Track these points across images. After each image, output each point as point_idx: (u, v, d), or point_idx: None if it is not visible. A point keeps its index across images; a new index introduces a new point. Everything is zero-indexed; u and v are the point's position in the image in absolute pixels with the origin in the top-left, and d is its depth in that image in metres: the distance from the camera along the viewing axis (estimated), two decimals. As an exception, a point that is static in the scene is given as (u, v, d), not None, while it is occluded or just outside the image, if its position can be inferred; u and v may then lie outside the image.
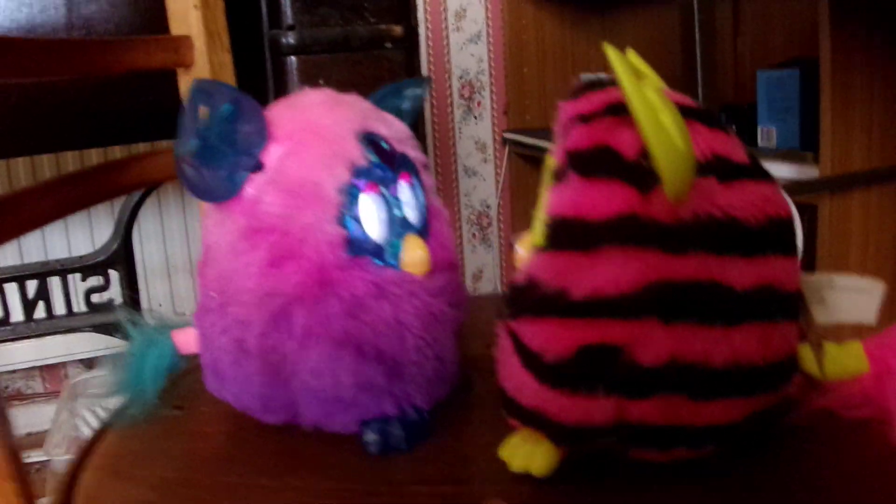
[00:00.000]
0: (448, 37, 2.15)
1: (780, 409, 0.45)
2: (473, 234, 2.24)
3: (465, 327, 0.55)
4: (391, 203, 0.49)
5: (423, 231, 0.51)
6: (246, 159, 0.47)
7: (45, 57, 0.57)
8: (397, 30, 1.01)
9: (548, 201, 0.42)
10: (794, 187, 1.29)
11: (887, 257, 1.39)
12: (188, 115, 0.46)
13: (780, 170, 1.38)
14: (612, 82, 0.43)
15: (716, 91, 1.19)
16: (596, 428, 0.42)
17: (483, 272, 2.28)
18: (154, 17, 1.01)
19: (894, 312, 0.52)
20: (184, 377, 0.62)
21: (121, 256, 1.23)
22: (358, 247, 0.47)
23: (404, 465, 0.48)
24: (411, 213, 0.50)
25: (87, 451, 0.56)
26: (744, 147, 0.43)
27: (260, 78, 1.04)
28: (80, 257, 1.25)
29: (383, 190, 0.48)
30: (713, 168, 0.41)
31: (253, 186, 0.48)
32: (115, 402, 0.60)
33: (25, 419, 1.78)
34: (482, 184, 2.24)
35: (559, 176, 0.41)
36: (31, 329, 1.28)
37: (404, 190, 0.50)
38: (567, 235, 0.40)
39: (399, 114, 0.54)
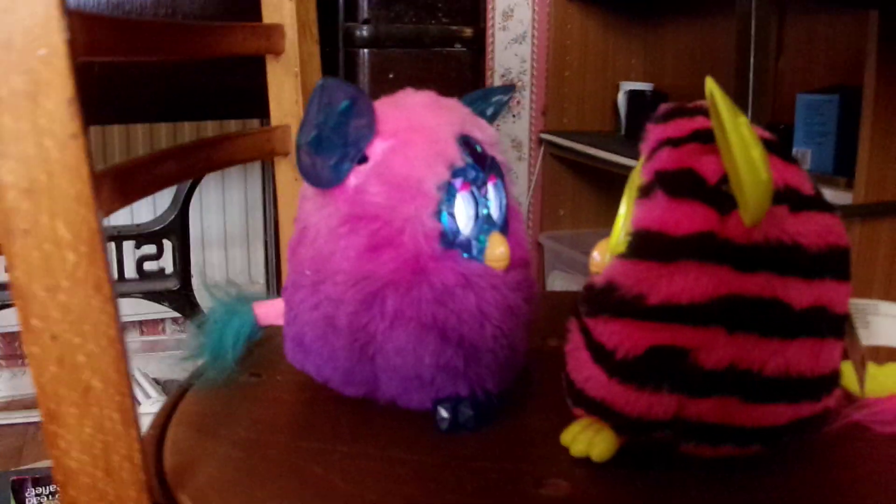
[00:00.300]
0: (494, 35, 2.19)
1: (821, 419, 0.49)
2: (502, 230, 2.28)
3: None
4: (480, 202, 0.53)
5: (504, 229, 0.55)
6: (353, 151, 0.52)
7: (156, 38, 0.61)
8: (468, 31, 1.05)
9: (633, 214, 0.46)
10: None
11: (911, 286, 1.43)
12: (311, 109, 0.50)
13: (814, 193, 1.41)
14: (697, 110, 0.48)
15: (761, 110, 1.23)
16: (656, 421, 0.47)
17: (509, 268, 2.31)
18: (238, 1, 1.06)
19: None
20: (260, 346, 0.67)
21: (176, 227, 1.28)
22: (450, 240, 0.52)
23: (471, 443, 0.53)
24: (496, 212, 0.55)
25: (170, 408, 0.60)
26: (811, 180, 0.48)
27: (331, 69, 1.08)
28: (137, 225, 1.30)
29: (474, 189, 0.53)
30: (785, 198, 0.45)
31: (356, 177, 0.52)
32: (191, 365, 0.65)
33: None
34: (515, 181, 2.27)
35: (645, 192, 0.46)
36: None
37: (491, 190, 0.54)
38: (650, 247, 0.44)
39: (484, 118, 0.58)
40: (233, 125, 1.67)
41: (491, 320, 0.52)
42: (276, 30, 0.78)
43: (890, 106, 1.35)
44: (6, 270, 0.42)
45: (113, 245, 1.30)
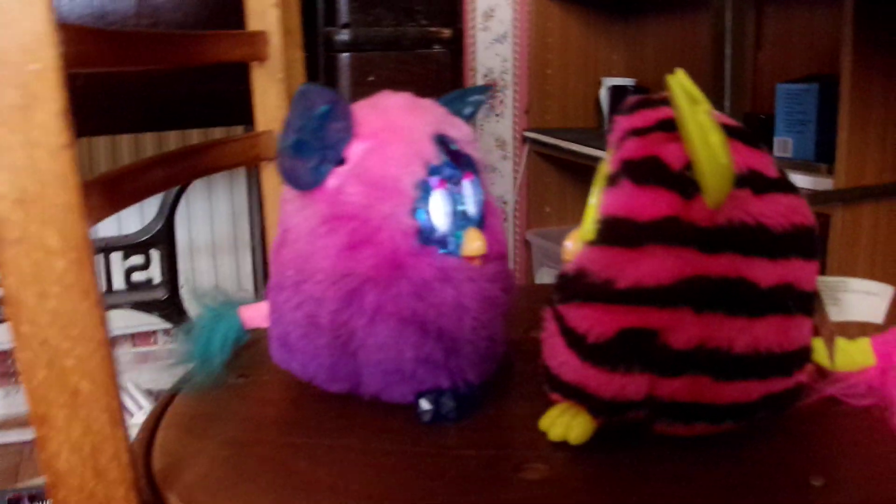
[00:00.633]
0: (475, 35, 2.20)
1: (793, 394, 0.50)
2: (491, 230, 2.30)
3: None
4: (456, 199, 0.55)
5: (481, 224, 0.57)
6: (332, 153, 0.53)
7: (144, 48, 0.63)
8: (446, 32, 1.07)
9: (601, 202, 0.48)
10: (808, 197, 1.34)
11: (894, 267, 1.44)
12: (291, 115, 0.52)
13: (795, 180, 1.43)
14: (661, 101, 0.49)
15: (739, 101, 1.24)
16: (629, 402, 0.48)
17: (499, 267, 2.33)
18: (220, 9, 1.07)
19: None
20: (247, 349, 0.68)
21: (163, 236, 1.29)
22: (427, 236, 0.53)
23: (453, 433, 0.54)
24: (472, 208, 0.56)
25: (159, 412, 0.61)
26: (776, 163, 0.49)
27: (312, 73, 1.09)
28: (125, 236, 1.31)
29: (451, 186, 0.54)
30: (748, 181, 0.46)
31: (335, 178, 0.54)
32: (180, 371, 0.66)
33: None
34: (500, 180, 2.29)
35: (613, 181, 0.47)
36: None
37: (467, 187, 0.56)
38: (617, 232, 0.46)
39: (461, 117, 0.60)
40: (217, 133, 1.68)
41: (469, 312, 0.53)
42: (261, 37, 0.79)
43: (866, 93, 1.37)
44: (-1, 284, 0.43)
45: (101, 256, 1.31)
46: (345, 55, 1.05)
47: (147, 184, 0.60)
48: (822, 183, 1.41)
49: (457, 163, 0.55)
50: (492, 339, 0.56)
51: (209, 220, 1.98)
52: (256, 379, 0.65)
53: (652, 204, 0.45)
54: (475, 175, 0.57)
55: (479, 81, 2.23)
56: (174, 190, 1.31)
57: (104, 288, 1.34)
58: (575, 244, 0.51)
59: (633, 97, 0.51)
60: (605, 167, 0.49)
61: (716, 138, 0.42)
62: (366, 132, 0.54)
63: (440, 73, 1.05)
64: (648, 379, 0.47)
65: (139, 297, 1.33)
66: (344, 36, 1.05)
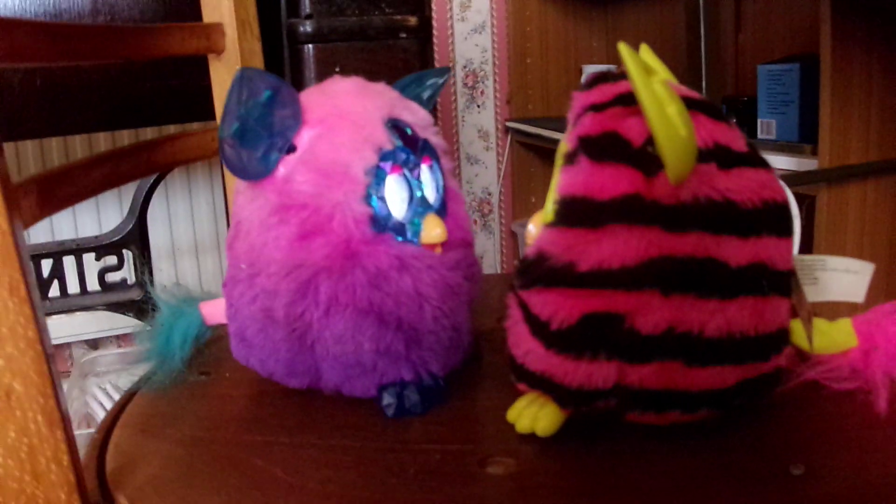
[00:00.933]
0: (453, 27, 2.18)
1: (772, 379, 0.48)
2: (475, 221, 2.28)
3: (477, 304, 0.59)
4: (413, 185, 0.52)
5: (441, 211, 0.54)
6: (280, 141, 0.51)
7: (87, 41, 0.60)
8: (412, 20, 1.04)
9: (559, 182, 0.45)
10: (793, 178, 1.33)
11: (881, 246, 1.43)
12: (231, 100, 0.49)
13: (780, 161, 1.42)
14: (622, 75, 0.47)
15: (718, 84, 1.22)
16: (597, 391, 0.46)
17: (484, 258, 2.31)
18: (176, 5, 1.05)
19: (885, 293, 0.56)
20: (209, 346, 0.66)
21: (135, 236, 1.27)
22: (382, 224, 0.51)
23: (418, 427, 0.52)
24: (431, 194, 0.54)
25: (117, 412, 0.59)
26: (744, 138, 0.47)
27: (277, 66, 1.07)
28: (96, 237, 1.29)
29: (406, 172, 0.52)
30: (714, 155, 0.44)
31: (285, 166, 0.51)
32: (143, 369, 0.64)
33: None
34: (484, 171, 2.27)
35: (570, 159, 0.45)
36: (46, 308, 1.31)
37: (425, 173, 0.53)
38: (576, 213, 0.43)
39: (420, 101, 0.58)
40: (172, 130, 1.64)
41: (430, 301, 0.51)
42: (216, 28, 0.77)
43: (847, 71, 1.35)
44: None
45: (73, 258, 1.28)
46: (309, 47, 1.02)
47: (96, 180, 0.58)
48: (806, 164, 1.39)
49: (412, 147, 0.53)
50: (455, 328, 0.54)
51: (191, 220, 1.95)
52: (217, 376, 0.63)
53: (612, 181, 0.43)
54: (434, 160, 0.54)
55: (459, 73, 2.20)
56: (144, 189, 1.29)
57: (77, 290, 1.32)
58: (537, 227, 0.49)
59: (593, 72, 0.49)
60: (564, 146, 0.47)
61: (673, 109, 0.40)
62: (314, 118, 0.52)
63: (408, 62, 1.02)
64: (616, 366, 0.45)
65: (114, 298, 1.30)
66: (307, 27, 1.03)
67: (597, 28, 2.27)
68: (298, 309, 0.51)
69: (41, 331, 0.42)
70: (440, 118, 2.20)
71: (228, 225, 1.65)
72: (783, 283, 0.47)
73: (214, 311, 0.64)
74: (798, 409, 0.52)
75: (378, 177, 0.51)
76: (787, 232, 0.47)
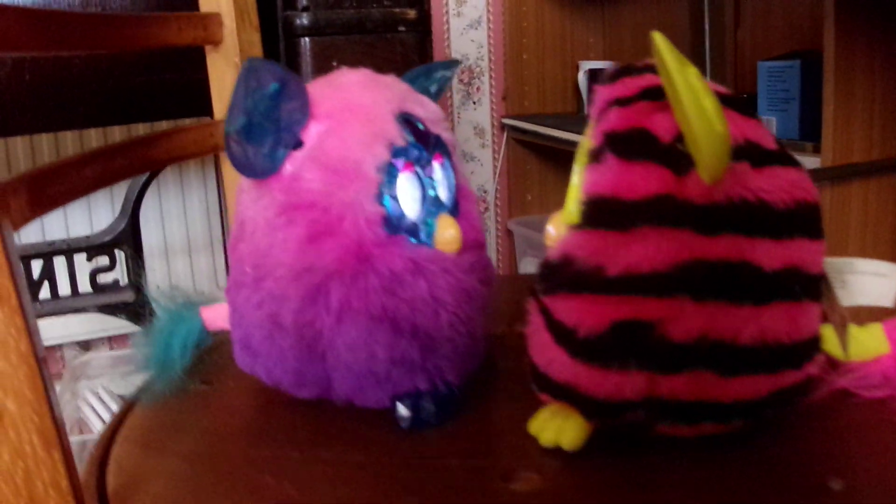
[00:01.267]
0: (449, 22, 2.15)
1: (804, 388, 0.46)
2: (471, 220, 2.25)
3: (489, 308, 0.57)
4: (426, 183, 0.50)
5: (454, 210, 0.52)
6: (287, 136, 0.48)
7: (79, 30, 0.57)
8: (411, 13, 1.02)
9: (584, 181, 0.43)
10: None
11: (885, 245, 1.41)
12: (237, 94, 0.47)
13: (781, 160, 1.40)
14: (645, 68, 0.45)
15: (719, 80, 1.21)
16: (627, 402, 0.43)
17: (480, 258, 2.29)
18: (171, -2, 1.02)
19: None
20: (210, 353, 0.63)
21: (128, 236, 1.24)
22: (395, 225, 0.48)
23: (435, 440, 0.49)
24: (443, 192, 0.51)
25: (116, 424, 0.57)
26: (772, 135, 0.45)
27: (273, 59, 1.04)
28: (87, 237, 1.26)
29: (418, 170, 0.49)
30: (746, 153, 0.42)
31: (292, 163, 0.49)
32: (141, 378, 0.62)
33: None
34: (480, 169, 2.25)
35: (596, 157, 0.42)
36: (37, 310, 1.28)
37: (437, 170, 0.51)
38: (604, 214, 0.41)
39: (428, 95, 0.55)
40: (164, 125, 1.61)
41: (446, 306, 0.49)
42: (213, 18, 0.74)
43: (850, 68, 1.33)
44: None
45: (63, 259, 1.25)
46: (305, 40, 0.99)
47: (88, 179, 0.55)
48: (808, 162, 1.37)
49: (424, 144, 0.50)
50: (471, 334, 0.51)
51: (184, 219, 1.92)
52: (220, 386, 0.60)
53: (641, 181, 0.40)
54: (446, 157, 0.52)
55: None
56: (137, 187, 1.26)
57: (69, 291, 1.29)
58: (558, 229, 0.47)
59: (614, 65, 0.46)
60: (587, 142, 0.45)
61: (710, 103, 0.38)
62: (323, 112, 0.49)
63: (407, 55, 1.00)
64: (647, 376, 0.43)
65: (106, 300, 1.27)
66: (304, 20, 1.00)
67: (594, 23, 2.24)
68: (308, 315, 0.48)
69: (34, 343, 0.39)
70: (435, 115, 2.17)
71: (223, 223, 1.62)
72: (815, 287, 0.45)
73: (216, 316, 0.61)
74: (830, 418, 0.50)
75: (390, 174, 0.48)
76: (820, 234, 0.46)
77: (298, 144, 0.49)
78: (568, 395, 0.45)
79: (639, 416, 0.44)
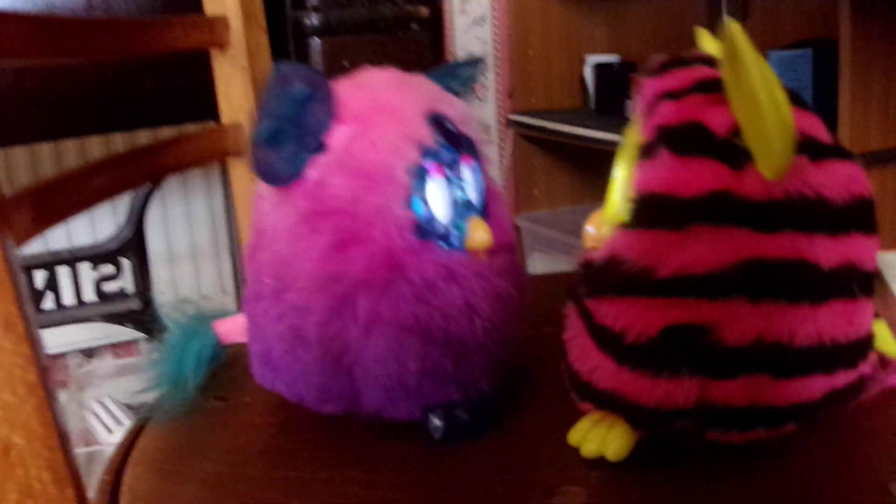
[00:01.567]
0: (453, 20, 2.13)
1: (857, 388, 0.44)
2: (478, 219, 2.23)
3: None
4: (455, 185, 0.47)
5: (484, 212, 0.49)
6: (310, 140, 0.46)
7: (83, 37, 0.55)
8: (423, 11, 0.99)
9: (635, 177, 0.40)
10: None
11: (905, 236, 1.39)
12: (268, 99, 0.44)
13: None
14: (696, 59, 0.42)
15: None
16: (677, 410, 0.41)
17: (488, 257, 2.27)
18: (173, 1, 1.00)
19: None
20: (226, 368, 0.61)
21: (133, 245, 1.21)
22: (426, 230, 0.46)
23: (471, 454, 0.47)
24: (473, 194, 0.49)
25: (127, 447, 0.54)
26: (826, 127, 0.43)
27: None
28: (92, 246, 1.23)
29: (448, 172, 0.47)
30: (804, 146, 0.40)
31: (316, 169, 0.46)
32: (151, 394, 0.59)
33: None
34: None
35: (648, 152, 0.40)
36: (42, 320, 1.26)
37: (466, 172, 0.48)
38: (657, 212, 0.39)
39: (453, 94, 0.53)
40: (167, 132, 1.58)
41: (480, 313, 0.46)
42: (220, 22, 0.72)
43: (866, 56, 1.31)
44: None
45: (67, 268, 1.23)
46: (316, 40, 0.96)
47: (94, 190, 0.52)
48: (824, 151, 1.35)
49: (454, 145, 0.48)
50: (506, 342, 0.48)
51: (188, 225, 1.90)
52: (237, 402, 0.57)
53: (697, 177, 0.38)
54: (474, 158, 0.49)
55: (459, 66, 2.15)
56: (142, 194, 1.23)
57: (74, 301, 1.26)
58: (598, 228, 0.44)
59: (660, 55, 0.44)
60: (634, 136, 0.42)
61: (782, 95, 0.35)
62: (349, 114, 0.46)
63: (420, 54, 0.97)
64: (698, 382, 0.40)
65: (112, 309, 1.25)
66: (314, 20, 0.97)
67: (599, 17, 2.22)
68: (334, 328, 0.46)
69: (43, 373, 0.37)
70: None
71: (229, 230, 1.60)
72: (869, 283, 0.43)
73: (231, 330, 0.58)
74: (884, 419, 0.48)
75: (420, 177, 0.46)
76: (874, 229, 0.43)
77: (321, 148, 0.46)
78: (614, 404, 0.42)
79: (688, 423, 0.42)
